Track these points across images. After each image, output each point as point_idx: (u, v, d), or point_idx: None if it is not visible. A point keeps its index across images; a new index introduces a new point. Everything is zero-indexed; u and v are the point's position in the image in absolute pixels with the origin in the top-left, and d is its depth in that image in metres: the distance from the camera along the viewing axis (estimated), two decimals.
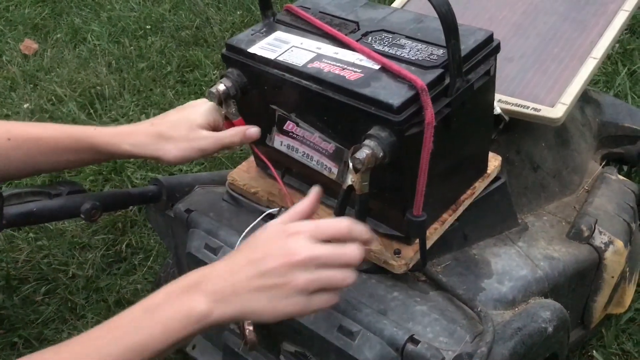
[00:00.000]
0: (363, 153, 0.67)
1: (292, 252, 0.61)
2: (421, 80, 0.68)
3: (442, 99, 0.71)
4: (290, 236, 0.62)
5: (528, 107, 0.91)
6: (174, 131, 0.81)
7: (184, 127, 0.81)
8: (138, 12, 2.27)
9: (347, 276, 0.63)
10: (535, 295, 0.84)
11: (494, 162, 0.89)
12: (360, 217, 0.73)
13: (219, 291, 0.61)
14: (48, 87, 1.93)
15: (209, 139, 0.81)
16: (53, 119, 1.79)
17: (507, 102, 0.93)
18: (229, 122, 0.84)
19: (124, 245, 1.37)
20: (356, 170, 0.68)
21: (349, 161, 0.68)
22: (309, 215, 0.68)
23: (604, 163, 1.17)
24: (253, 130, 0.83)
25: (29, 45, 2.17)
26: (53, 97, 1.88)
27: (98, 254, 1.36)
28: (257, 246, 0.64)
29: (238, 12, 2.20)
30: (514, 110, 0.92)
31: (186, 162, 0.83)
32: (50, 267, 1.35)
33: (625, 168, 1.34)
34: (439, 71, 0.71)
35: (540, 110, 0.91)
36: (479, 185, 0.87)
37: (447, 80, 0.71)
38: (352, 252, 0.63)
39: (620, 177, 1.08)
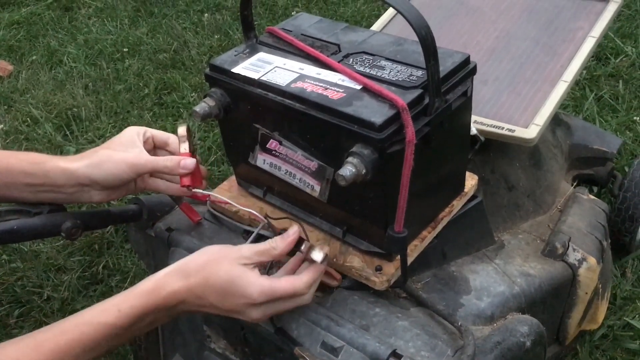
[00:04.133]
0: (347, 170, 0.68)
1: (249, 317, 0.72)
2: (402, 99, 0.70)
3: (422, 118, 0.73)
4: (249, 307, 0.70)
5: (503, 128, 0.94)
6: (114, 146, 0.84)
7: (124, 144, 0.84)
8: (115, 35, 2.28)
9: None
10: (513, 311, 0.86)
11: (471, 181, 0.92)
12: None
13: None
14: (23, 108, 1.91)
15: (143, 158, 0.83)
16: (28, 140, 1.77)
17: (482, 123, 0.96)
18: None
19: (100, 267, 1.36)
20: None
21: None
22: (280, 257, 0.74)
23: (575, 183, 1.21)
24: (188, 162, 0.84)
25: (4, 66, 2.16)
26: (28, 119, 1.86)
27: (74, 276, 1.34)
28: (220, 288, 0.70)
29: (216, 36, 2.22)
30: (489, 131, 0.95)
31: (117, 182, 0.83)
32: (24, 290, 1.32)
33: (595, 189, 1.38)
34: (418, 91, 0.73)
35: (514, 130, 0.93)
36: (457, 204, 0.89)
37: (427, 100, 0.73)
38: (303, 301, 0.73)
39: (591, 196, 1.11)
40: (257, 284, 0.69)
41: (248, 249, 0.72)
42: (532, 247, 0.98)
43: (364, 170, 0.69)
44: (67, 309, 1.28)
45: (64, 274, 1.36)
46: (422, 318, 0.79)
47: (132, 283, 1.32)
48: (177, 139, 0.86)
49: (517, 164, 1.06)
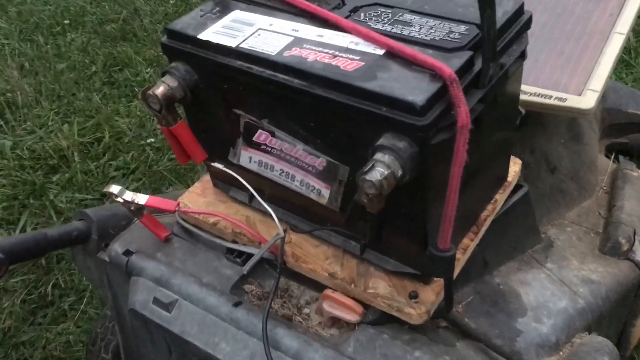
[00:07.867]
0: (377, 173, 0.49)
1: None
2: (447, 66, 0.50)
3: (473, 92, 0.54)
4: None
5: (551, 97, 0.75)
6: None
7: None
8: (54, 6, 2.11)
9: None
10: (579, 332, 0.69)
11: (514, 167, 0.74)
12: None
13: None
14: None
15: None
16: None
17: (523, 92, 0.76)
18: (166, 129, 0.65)
19: (49, 287, 1.18)
20: (369, 198, 0.49)
21: (360, 185, 0.49)
22: None
23: (612, 157, 1.03)
24: None
25: None
26: None
27: (17, 300, 1.15)
28: None
29: (171, 2, 2.07)
30: (532, 102, 0.76)
31: None
32: None
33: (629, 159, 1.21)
34: (467, 54, 0.53)
35: (566, 100, 0.74)
36: (500, 198, 0.71)
37: (478, 67, 0.53)
38: None
39: None
40: None
41: None
42: (586, 242, 0.81)
43: (400, 172, 0.50)
44: (9, 343, 1.08)
45: (5, 297, 1.14)
46: (473, 357, 0.60)
47: (90, 304, 1.11)
48: None
49: (556, 139, 0.87)
